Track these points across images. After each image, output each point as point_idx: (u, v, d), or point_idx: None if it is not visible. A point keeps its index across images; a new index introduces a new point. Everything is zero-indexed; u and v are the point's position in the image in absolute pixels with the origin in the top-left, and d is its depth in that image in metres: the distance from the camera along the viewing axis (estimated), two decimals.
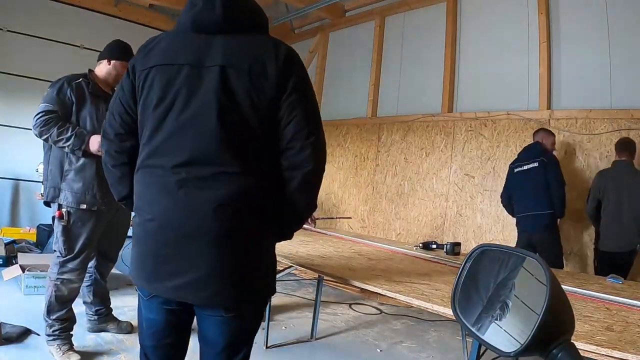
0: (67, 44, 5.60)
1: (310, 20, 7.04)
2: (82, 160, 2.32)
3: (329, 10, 6.26)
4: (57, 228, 2.35)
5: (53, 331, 2.33)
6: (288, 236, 1.36)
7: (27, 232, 4.92)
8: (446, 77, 4.98)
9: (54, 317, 2.33)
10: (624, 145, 3.36)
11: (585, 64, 3.94)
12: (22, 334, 2.53)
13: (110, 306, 2.83)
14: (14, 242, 4.52)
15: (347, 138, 6.12)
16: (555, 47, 4.14)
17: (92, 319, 2.74)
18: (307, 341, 3.05)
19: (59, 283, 2.33)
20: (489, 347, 0.64)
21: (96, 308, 2.73)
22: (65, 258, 2.34)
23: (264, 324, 2.94)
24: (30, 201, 5.35)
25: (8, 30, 5.28)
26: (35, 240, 4.74)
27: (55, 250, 2.41)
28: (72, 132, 2.25)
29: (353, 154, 5.99)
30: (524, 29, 4.33)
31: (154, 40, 1.28)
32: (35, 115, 2.26)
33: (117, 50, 2.47)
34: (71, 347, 2.35)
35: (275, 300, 3.66)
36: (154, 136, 1.20)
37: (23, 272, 3.36)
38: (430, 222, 4.94)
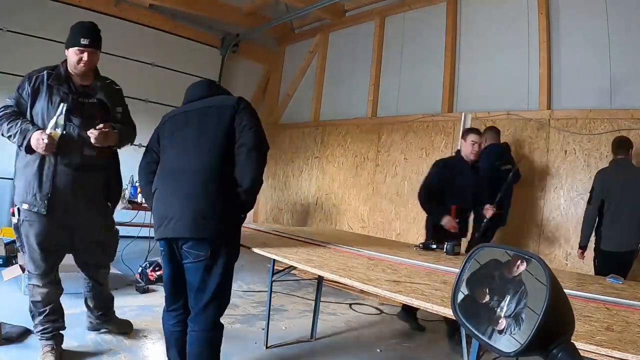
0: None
1: (310, 20, 7.05)
2: (27, 157, 2.20)
3: (329, 10, 6.26)
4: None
5: (37, 332, 2.32)
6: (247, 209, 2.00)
7: None
8: (446, 77, 4.98)
9: (36, 321, 2.30)
10: (622, 143, 3.34)
11: (585, 64, 3.95)
12: (22, 334, 2.52)
13: (113, 309, 2.77)
14: (14, 242, 4.52)
15: (347, 138, 6.12)
16: (555, 47, 4.14)
17: (93, 321, 2.71)
18: (307, 341, 3.05)
19: (31, 289, 2.30)
20: (489, 347, 0.63)
21: (99, 313, 2.68)
22: (25, 262, 2.31)
23: (263, 324, 2.94)
24: None
25: (8, 30, 5.28)
26: None
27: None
28: (18, 127, 2.15)
29: (353, 154, 5.99)
30: (524, 29, 4.33)
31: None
32: None
33: (68, 37, 2.29)
34: (52, 349, 2.28)
35: (275, 300, 3.66)
36: (166, 158, 2.02)
37: (23, 272, 3.35)
38: None
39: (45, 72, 2.25)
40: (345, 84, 6.38)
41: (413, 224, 5.08)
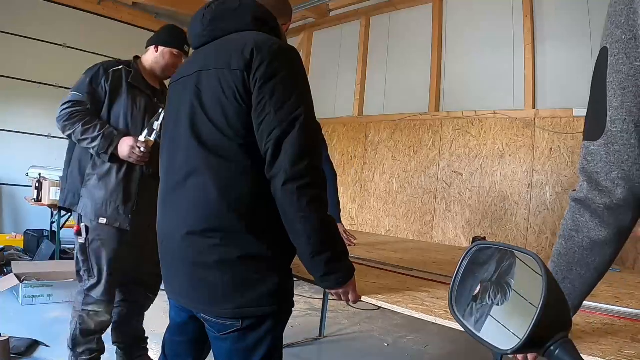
0: (50, 42, 5.40)
1: (294, 19, 7.01)
2: (107, 165, 1.93)
3: (313, 9, 6.23)
4: (76, 245, 1.99)
5: (79, 356, 2.02)
6: None
7: (13, 239, 4.77)
8: (433, 77, 5.03)
9: (80, 350, 1.99)
10: None
11: (568, 64, 4.04)
12: (30, 346, 2.40)
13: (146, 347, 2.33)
14: (2, 249, 4.35)
15: (334, 137, 6.13)
16: (539, 48, 4.23)
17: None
18: (316, 339, 3.06)
19: (84, 315, 1.96)
20: (486, 345, 0.64)
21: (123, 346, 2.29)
22: (88, 285, 1.97)
23: None
24: (14, 206, 5.21)
25: None
26: (23, 247, 4.59)
27: (77, 272, 2.03)
28: (99, 131, 1.85)
29: (340, 152, 6.00)
30: (509, 30, 4.42)
31: None
32: (61, 106, 1.89)
33: (166, 35, 2.09)
34: None
35: None
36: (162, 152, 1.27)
37: (20, 281, 3.19)
38: (419, 218, 5.00)
39: (122, 67, 1.99)
40: (331, 82, 6.38)
41: (402, 221, 5.13)
